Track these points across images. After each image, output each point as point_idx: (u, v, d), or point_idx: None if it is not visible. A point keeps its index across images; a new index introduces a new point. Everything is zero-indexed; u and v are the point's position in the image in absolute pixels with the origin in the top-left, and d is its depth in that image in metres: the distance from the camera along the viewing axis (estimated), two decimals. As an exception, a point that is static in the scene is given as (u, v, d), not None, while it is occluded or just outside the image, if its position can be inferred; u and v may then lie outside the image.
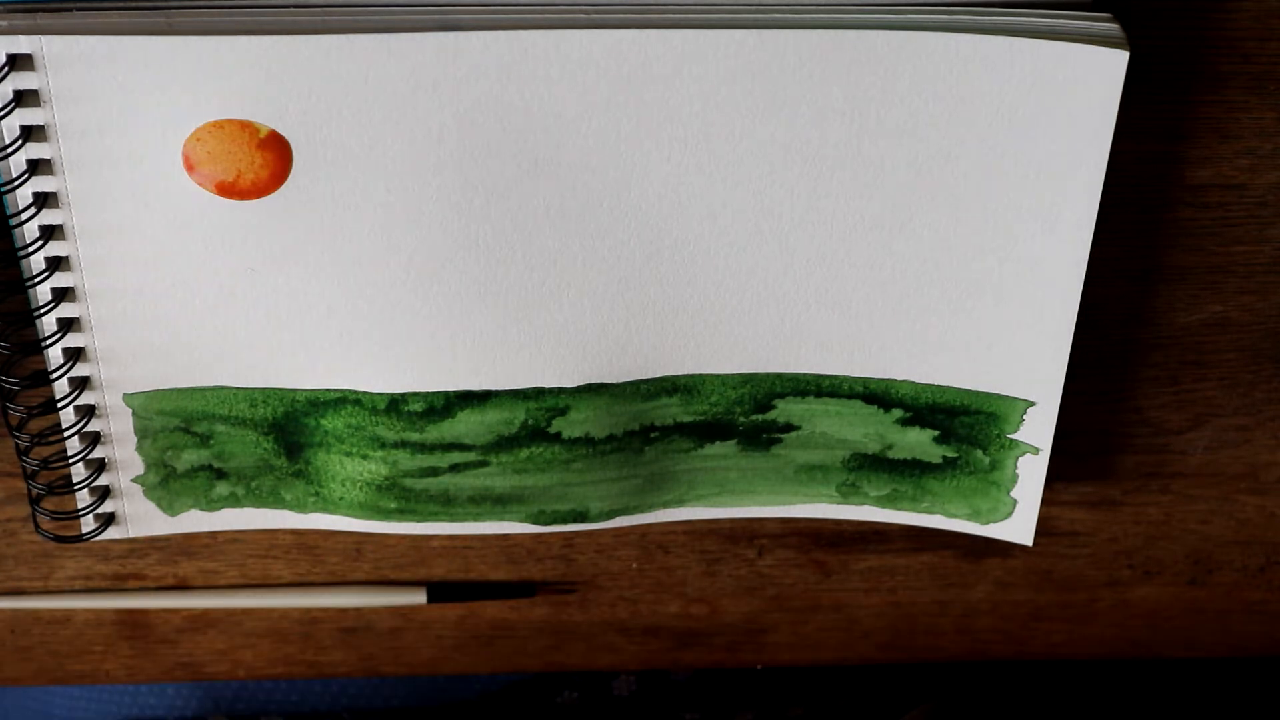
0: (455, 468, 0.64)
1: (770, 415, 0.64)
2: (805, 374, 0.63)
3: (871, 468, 0.66)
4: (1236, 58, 0.58)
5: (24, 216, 0.56)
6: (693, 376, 0.63)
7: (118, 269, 0.58)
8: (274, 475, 0.64)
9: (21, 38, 0.53)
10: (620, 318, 0.60)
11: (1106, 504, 0.71)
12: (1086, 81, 0.55)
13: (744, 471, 0.66)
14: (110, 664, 0.74)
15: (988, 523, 0.67)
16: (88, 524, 0.65)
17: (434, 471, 0.64)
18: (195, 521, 0.66)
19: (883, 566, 0.72)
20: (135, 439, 0.63)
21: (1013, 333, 0.61)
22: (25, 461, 0.62)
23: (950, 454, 0.65)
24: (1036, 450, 0.64)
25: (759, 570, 0.72)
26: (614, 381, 0.62)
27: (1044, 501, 0.66)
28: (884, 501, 0.67)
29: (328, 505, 0.65)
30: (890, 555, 0.72)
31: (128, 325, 0.59)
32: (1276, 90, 0.59)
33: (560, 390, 0.62)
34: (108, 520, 0.65)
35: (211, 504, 0.65)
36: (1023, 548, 0.70)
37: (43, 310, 0.58)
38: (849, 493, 0.67)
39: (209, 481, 0.64)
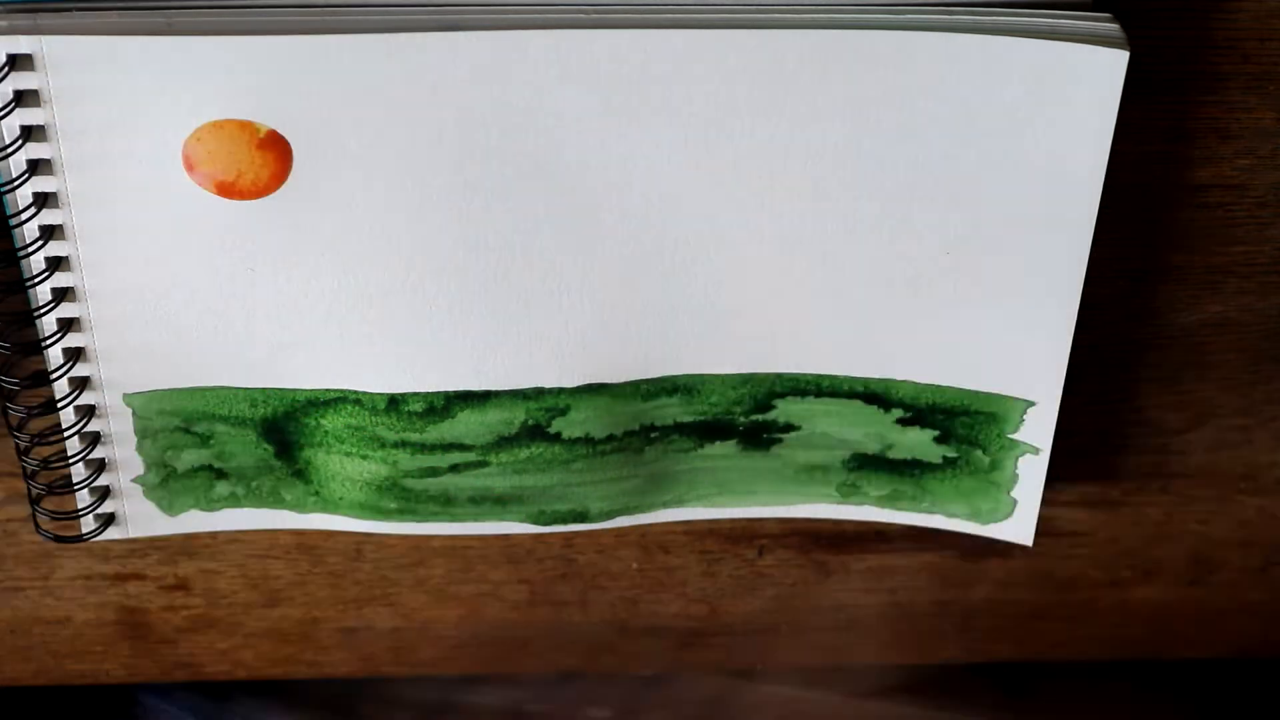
0: (455, 468, 0.64)
1: (770, 415, 0.64)
2: (805, 374, 0.63)
3: (872, 468, 0.66)
4: (1236, 58, 0.58)
5: (24, 216, 0.56)
6: (693, 376, 0.63)
7: (118, 269, 0.58)
8: (274, 475, 0.64)
9: (21, 38, 0.53)
10: (620, 318, 0.60)
11: (1106, 504, 0.71)
12: (1086, 81, 0.55)
13: (744, 471, 0.66)
14: (110, 664, 0.74)
15: (988, 523, 0.67)
16: (88, 524, 0.65)
17: (434, 472, 0.64)
18: (195, 521, 0.66)
19: (883, 566, 0.72)
20: (135, 439, 0.63)
21: (1013, 333, 0.61)
22: (25, 461, 0.62)
23: (950, 454, 0.65)
24: (1036, 450, 0.64)
25: (759, 570, 0.72)
26: (614, 381, 0.62)
27: (1044, 501, 0.66)
28: (884, 501, 0.67)
29: (328, 505, 0.65)
30: (890, 555, 0.72)
31: (128, 325, 0.59)
32: (1276, 90, 0.59)
33: (560, 390, 0.62)
34: (108, 520, 0.65)
35: (212, 504, 0.65)
36: (1023, 548, 0.70)
37: (43, 310, 0.58)
38: (849, 493, 0.67)
39: (209, 481, 0.64)
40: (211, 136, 0.55)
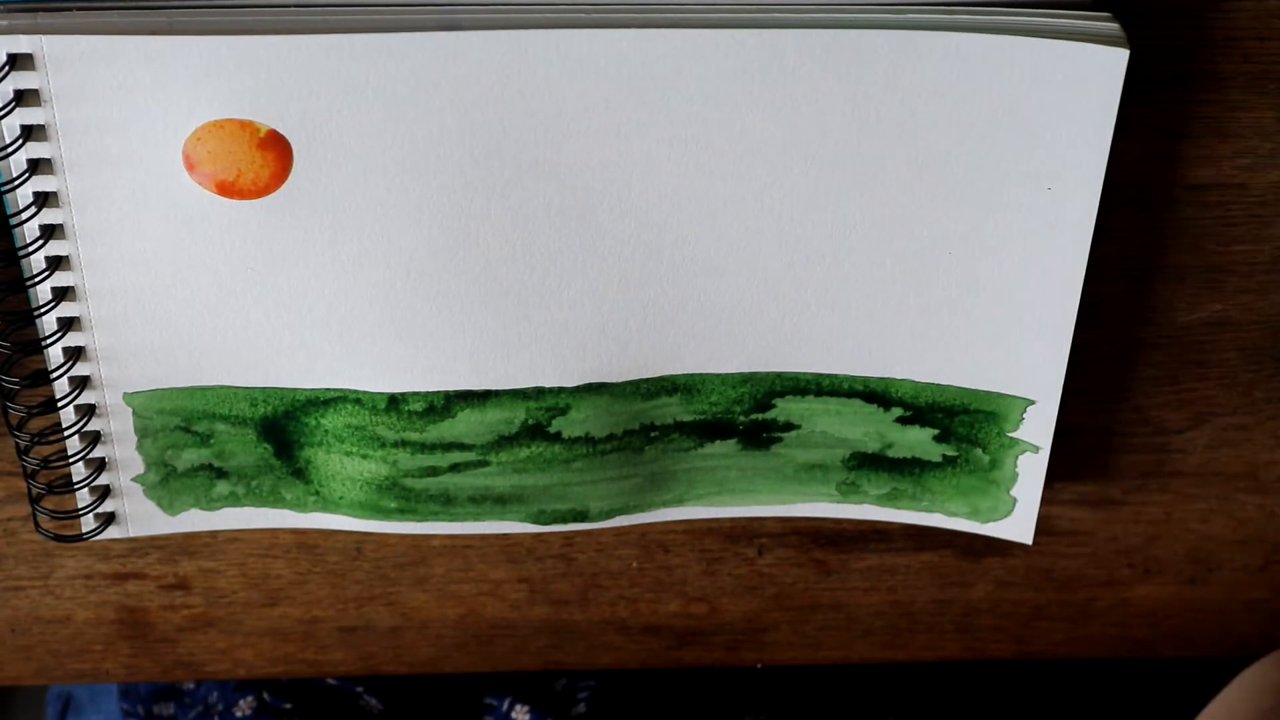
0: (455, 467, 0.64)
1: (770, 414, 0.64)
2: (805, 373, 0.63)
3: (871, 466, 0.66)
4: (1236, 57, 0.58)
5: (24, 216, 0.56)
6: (693, 376, 0.63)
7: (118, 268, 0.58)
8: (274, 475, 0.64)
9: (22, 37, 0.53)
10: (620, 317, 0.60)
11: (1106, 503, 0.71)
12: (1087, 80, 0.55)
13: (744, 470, 0.66)
14: (110, 663, 0.74)
15: (987, 521, 0.67)
16: (88, 523, 0.65)
17: (434, 471, 0.64)
18: (195, 521, 0.66)
19: (883, 566, 0.72)
20: (135, 438, 0.63)
21: (1012, 331, 0.61)
22: (25, 461, 0.62)
23: (950, 452, 0.65)
24: (1036, 448, 0.64)
25: (759, 569, 0.72)
26: (614, 381, 0.62)
27: (1044, 501, 0.66)
28: (884, 500, 0.67)
29: (328, 505, 0.65)
30: (890, 554, 0.72)
31: (128, 325, 0.59)
32: (1276, 90, 0.59)
33: (560, 390, 0.62)
34: (108, 519, 0.65)
35: (212, 503, 0.65)
36: (1023, 547, 0.70)
37: (43, 310, 0.58)
38: (849, 491, 0.67)
39: (209, 481, 0.64)
40: (211, 136, 0.55)
